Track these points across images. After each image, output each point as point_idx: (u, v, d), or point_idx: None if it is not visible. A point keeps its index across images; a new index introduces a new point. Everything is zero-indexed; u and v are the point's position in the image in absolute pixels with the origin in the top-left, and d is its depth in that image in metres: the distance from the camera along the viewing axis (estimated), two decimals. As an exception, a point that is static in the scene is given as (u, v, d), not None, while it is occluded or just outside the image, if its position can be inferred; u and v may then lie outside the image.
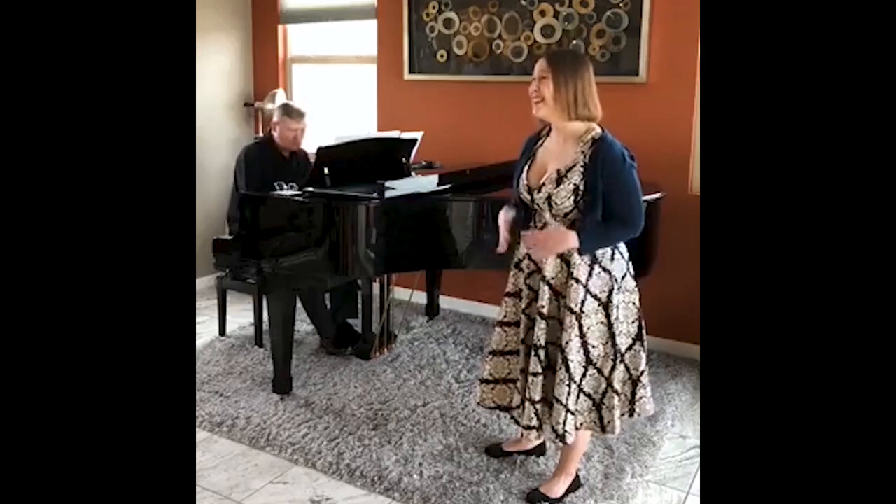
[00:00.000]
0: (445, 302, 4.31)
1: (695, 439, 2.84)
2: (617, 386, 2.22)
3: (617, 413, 2.23)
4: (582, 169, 2.11)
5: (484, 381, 2.44)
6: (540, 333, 2.21)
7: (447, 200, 2.96)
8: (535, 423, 2.25)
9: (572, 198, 2.12)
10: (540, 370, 2.22)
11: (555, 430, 2.21)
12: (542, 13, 3.75)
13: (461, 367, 3.47)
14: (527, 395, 2.26)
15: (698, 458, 2.62)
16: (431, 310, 4.21)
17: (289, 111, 3.58)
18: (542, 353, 2.21)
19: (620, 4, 3.55)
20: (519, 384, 2.34)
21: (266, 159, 3.59)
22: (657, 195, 3.06)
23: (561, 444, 2.27)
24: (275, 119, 3.64)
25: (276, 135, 3.62)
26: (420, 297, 4.22)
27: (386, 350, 3.62)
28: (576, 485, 2.44)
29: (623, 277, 2.20)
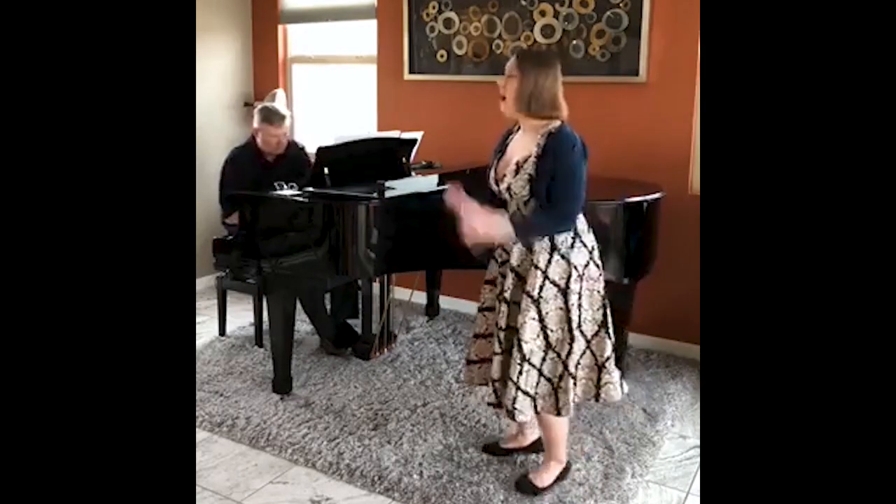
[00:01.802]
0: (445, 302, 4.31)
1: (695, 439, 2.84)
2: (573, 370, 2.28)
3: (571, 395, 2.29)
4: (535, 160, 2.20)
5: (470, 362, 2.55)
6: (501, 317, 2.32)
7: (447, 200, 2.96)
8: (492, 399, 2.37)
9: (528, 187, 2.22)
10: (499, 351, 2.33)
11: (505, 407, 2.31)
12: (542, 13, 3.75)
13: (461, 367, 3.47)
14: (489, 374, 2.38)
15: (698, 458, 2.62)
16: (431, 310, 4.21)
17: (268, 117, 3.49)
18: (501, 335, 2.32)
19: (620, 4, 3.55)
20: None
21: (251, 165, 3.53)
22: (657, 195, 3.06)
23: (511, 421, 2.39)
24: (255, 125, 3.54)
25: (258, 140, 3.54)
26: (420, 297, 4.22)
27: (386, 350, 3.62)
28: (566, 470, 2.50)
29: (585, 266, 2.27)
